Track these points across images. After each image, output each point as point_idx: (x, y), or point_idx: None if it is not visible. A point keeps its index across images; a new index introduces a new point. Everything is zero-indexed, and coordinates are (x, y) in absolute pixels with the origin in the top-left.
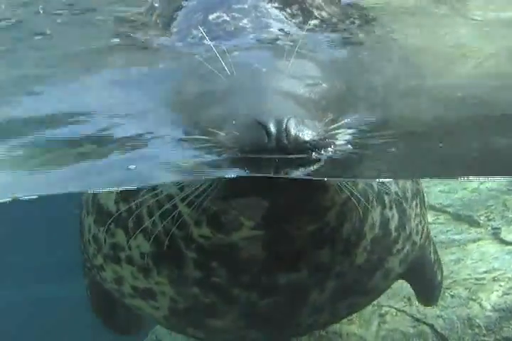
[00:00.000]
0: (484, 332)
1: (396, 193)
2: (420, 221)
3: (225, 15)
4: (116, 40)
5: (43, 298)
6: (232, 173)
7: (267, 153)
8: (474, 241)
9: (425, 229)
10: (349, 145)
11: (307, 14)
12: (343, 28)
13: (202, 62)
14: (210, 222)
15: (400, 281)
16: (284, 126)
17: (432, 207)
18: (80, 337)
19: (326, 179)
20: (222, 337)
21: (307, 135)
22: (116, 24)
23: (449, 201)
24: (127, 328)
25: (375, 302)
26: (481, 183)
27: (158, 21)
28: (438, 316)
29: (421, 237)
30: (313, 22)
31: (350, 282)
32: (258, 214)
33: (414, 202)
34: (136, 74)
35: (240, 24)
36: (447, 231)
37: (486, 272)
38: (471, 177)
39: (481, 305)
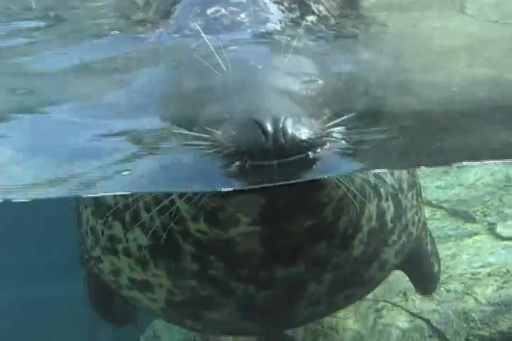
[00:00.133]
0: (479, 326)
1: (392, 185)
2: (416, 212)
3: (223, 9)
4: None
5: (41, 298)
6: (231, 186)
7: (263, 152)
8: (470, 236)
9: (421, 221)
10: (344, 142)
11: (304, 8)
12: (340, 22)
13: (197, 58)
14: (207, 218)
15: (396, 276)
16: (281, 125)
17: (429, 203)
18: (77, 337)
19: (324, 177)
20: (220, 329)
21: (304, 134)
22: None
23: (445, 197)
24: (124, 320)
25: (370, 297)
26: (477, 179)
27: (155, 16)
28: (434, 310)
29: (417, 228)
30: (310, 17)
31: (347, 274)
32: (255, 211)
33: (410, 194)
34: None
35: (238, 18)
36: (443, 226)
37: (481, 267)
38: (464, 163)
39: (476, 299)
